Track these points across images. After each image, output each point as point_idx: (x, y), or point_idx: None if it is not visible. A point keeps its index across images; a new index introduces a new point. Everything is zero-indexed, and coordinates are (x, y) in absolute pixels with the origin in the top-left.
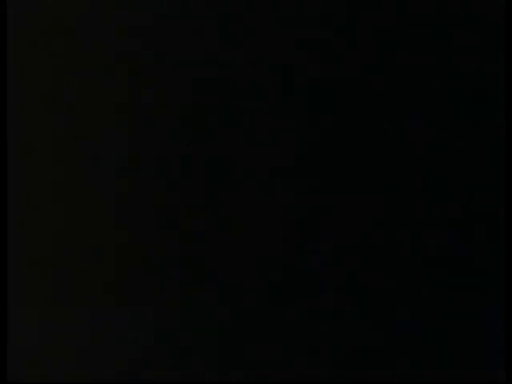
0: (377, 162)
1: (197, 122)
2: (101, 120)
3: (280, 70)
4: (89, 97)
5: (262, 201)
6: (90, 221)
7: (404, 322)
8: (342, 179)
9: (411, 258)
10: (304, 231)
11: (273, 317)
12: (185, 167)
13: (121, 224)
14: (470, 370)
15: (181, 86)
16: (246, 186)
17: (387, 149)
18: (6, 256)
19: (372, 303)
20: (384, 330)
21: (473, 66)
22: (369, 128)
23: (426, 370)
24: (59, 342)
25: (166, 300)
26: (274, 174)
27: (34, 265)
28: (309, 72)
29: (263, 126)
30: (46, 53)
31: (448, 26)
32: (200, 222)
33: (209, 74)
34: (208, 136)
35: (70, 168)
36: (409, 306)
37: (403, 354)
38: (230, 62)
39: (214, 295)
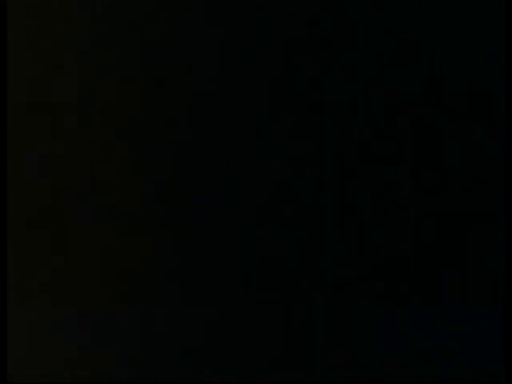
0: (376, 163)
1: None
2: (100, 120)
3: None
4: (89, 98)
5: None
6: (89, 220)
7: (404, 322)
8: (343, 179)
9: (411, 257)
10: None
11: (272, 316)
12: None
13: (120, 225)
14: (470, 370)
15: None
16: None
17: (387, 149)
18: (5, 256)
19: (371, 303)
20: (384, 330)
21: (473, 66)
22: (368, 128)
23: (427, 370)
24: (59, 342)
25: (164, 300)
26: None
27: (35, 265)
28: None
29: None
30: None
31: (448, 25)
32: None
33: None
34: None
35: (70, 168)
36: (409, 306)
37: (403, 354)
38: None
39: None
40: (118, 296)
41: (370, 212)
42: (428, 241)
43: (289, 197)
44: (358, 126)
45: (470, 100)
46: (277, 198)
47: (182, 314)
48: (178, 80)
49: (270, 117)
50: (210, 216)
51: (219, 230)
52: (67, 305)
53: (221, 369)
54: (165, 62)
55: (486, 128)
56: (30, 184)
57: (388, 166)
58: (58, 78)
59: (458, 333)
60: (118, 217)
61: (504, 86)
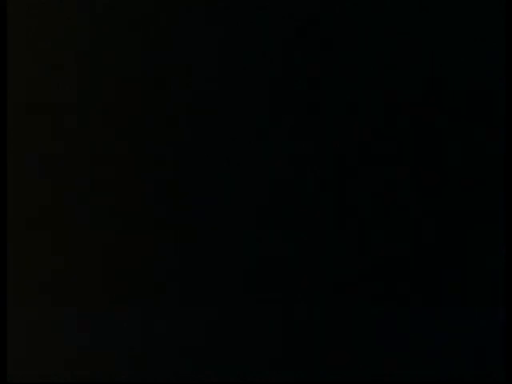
0: (376, 163)
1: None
2: (100, 120)
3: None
4: (89, 97)
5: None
6: (88, 220)
7: (404, 322)
8: (343, 179)
9: (411, 257)
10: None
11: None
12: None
13: (120, 225)
14: (470, 370)
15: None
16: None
17: (387, 149)
18: (5, 256)
19: (371, 303)
20: (384, 330)
21: (473, 66)
22: (368, 128)
23: (427, 370)
24: (59, 342)
25: (164, 300)
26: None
27: (35, 265)
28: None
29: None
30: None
31: (448, 25)
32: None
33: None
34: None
35: (70, 168)
36: (409, 306)
37: (403, 354)
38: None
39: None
40: (118, 296)
41: (370, 212)
42: (428, 241)
43: (289, 197)
44: (358, 126)
45: (470, 100)
46: (277, 198)
47: (182, 314)
48: (178, 80)
49: (270, 117)
50: (210, 216)
51: (219, 229)
52: (67, 305)
53: (221, 369)
54: (165, 62)
55: (486, 128)
56: (30, 184)
57: (388, 165)
58: (58, 78)
59: (458, 333)
60: (118, 217)
61: (504, 86)
